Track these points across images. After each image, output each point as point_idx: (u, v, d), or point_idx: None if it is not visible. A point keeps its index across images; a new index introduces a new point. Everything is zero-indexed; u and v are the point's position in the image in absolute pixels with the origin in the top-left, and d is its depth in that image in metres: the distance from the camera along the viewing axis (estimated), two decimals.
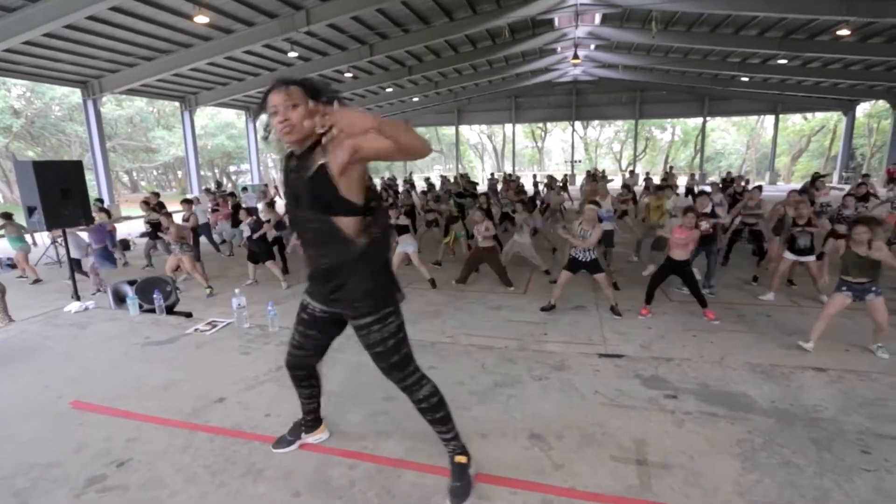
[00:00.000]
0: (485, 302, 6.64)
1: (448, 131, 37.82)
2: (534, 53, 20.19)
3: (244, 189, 16.04)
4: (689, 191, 13.87)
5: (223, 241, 10.82)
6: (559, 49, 19.66)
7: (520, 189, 12.69)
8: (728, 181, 13.87)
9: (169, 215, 7.34)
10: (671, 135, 40.28)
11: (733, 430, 2.28)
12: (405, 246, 7.43)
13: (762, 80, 21.20)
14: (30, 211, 4.39)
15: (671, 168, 19.90)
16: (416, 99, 25.23)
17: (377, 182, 20.20)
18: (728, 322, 5.19)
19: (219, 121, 30.94)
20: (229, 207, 10.93)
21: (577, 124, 31.95)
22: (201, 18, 11.13)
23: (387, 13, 13.34)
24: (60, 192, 4.40)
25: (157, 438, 2.31)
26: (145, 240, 9.71)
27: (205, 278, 7.04)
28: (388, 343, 1.82)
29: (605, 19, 15.58)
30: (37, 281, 7.86)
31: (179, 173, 34.13)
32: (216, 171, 35.20)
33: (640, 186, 15.36)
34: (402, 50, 15.84)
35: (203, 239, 9.52)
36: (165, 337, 3.66)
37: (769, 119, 28.50)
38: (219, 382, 2.85)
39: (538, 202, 11.75)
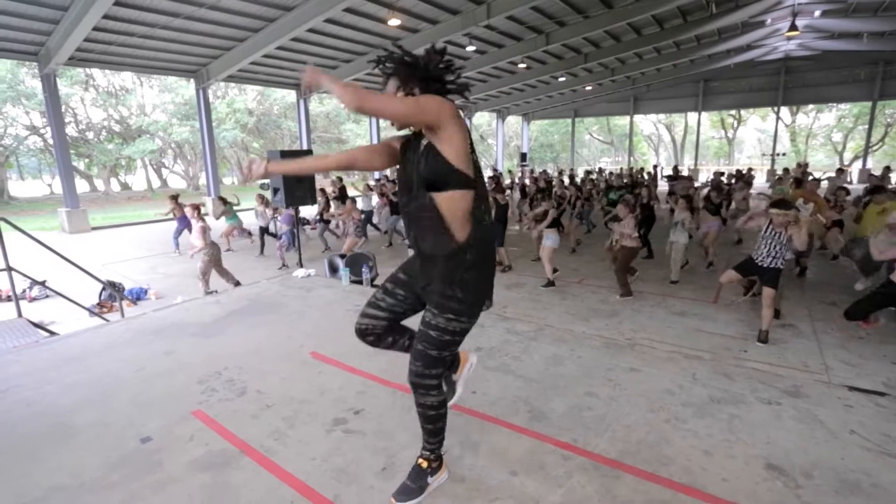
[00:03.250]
0: (666, 306, 6.09)
1: (621, 121, 35.50)
2: (734, 29, 17.55)
3: None
4: None
5: (385, 233, 11.74)
6: (769, 21, 16.71)
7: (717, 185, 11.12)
8: None
9: (353, 201, 8.35)
10: None
11: None
12: (548, 240, 7.23)
13: None
14: (274, 191, 5.38)
15: None
16: (588, 88, 24.11)
17: (536, 171, 20.01)
18: None
19: None
20: (390, 195, 11.92)
21: (784, 110, 27.03)
22: (394, 21, 12.21)
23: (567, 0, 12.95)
24: (296, 177, 5.31)
25: (381, 395, 2.62)
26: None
27: None
28: (443, 337, 1.72)
29: None
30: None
31: None
32: None
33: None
34: (579, 37, 15.22)
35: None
36: None
37: None
38: None
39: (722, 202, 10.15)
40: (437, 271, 1.72)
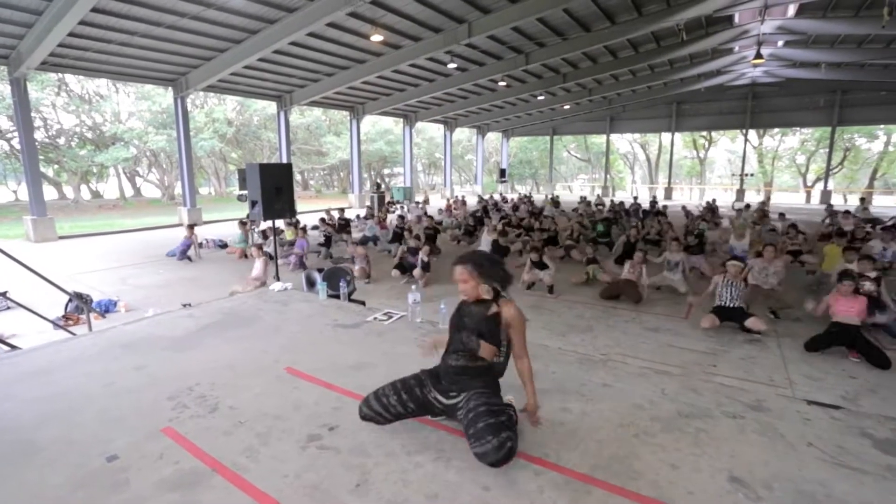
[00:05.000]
0: (640, 322, 6.23)
1: (597, 140, 36.36)
2: (704, 55, 18.33)
3: (398, 201, 17.64)
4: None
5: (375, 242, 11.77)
6: (737, 48, 17.53)
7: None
8: None
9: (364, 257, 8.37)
10: (884, 144, 32.90)
11: None
12: (538, 274, 7.44)
13: None
14: (252, 204, 5.34)
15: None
16: (566, 107, 24.72)
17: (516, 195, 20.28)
18: None
19: (379, 127, 34.00)
20: (386, 220, 12.14)
21: (752, 133, 28.17)
22: (377, 37, 12.33)
23: (546, 22, 13.30)
24: (275, 190, 5.29)
25: (357, 411, 2.61)
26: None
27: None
28: (499, 406, 2.22)
29: (803, 9, 13.43)
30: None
31: (342, 174, 38.35)
32: (372, 173, 38.79)
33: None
34: (558, 57, 15.65)
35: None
36: (350, 322, 4.13)
37: None
38: (401, 370, 3.09)
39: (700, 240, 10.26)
40: (477, 379, 2.30)
